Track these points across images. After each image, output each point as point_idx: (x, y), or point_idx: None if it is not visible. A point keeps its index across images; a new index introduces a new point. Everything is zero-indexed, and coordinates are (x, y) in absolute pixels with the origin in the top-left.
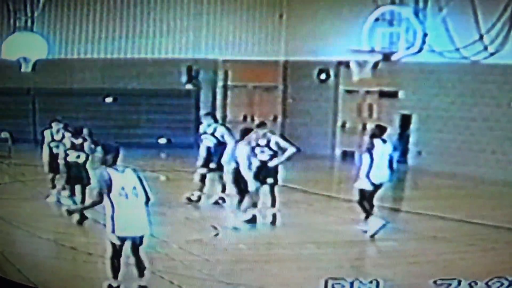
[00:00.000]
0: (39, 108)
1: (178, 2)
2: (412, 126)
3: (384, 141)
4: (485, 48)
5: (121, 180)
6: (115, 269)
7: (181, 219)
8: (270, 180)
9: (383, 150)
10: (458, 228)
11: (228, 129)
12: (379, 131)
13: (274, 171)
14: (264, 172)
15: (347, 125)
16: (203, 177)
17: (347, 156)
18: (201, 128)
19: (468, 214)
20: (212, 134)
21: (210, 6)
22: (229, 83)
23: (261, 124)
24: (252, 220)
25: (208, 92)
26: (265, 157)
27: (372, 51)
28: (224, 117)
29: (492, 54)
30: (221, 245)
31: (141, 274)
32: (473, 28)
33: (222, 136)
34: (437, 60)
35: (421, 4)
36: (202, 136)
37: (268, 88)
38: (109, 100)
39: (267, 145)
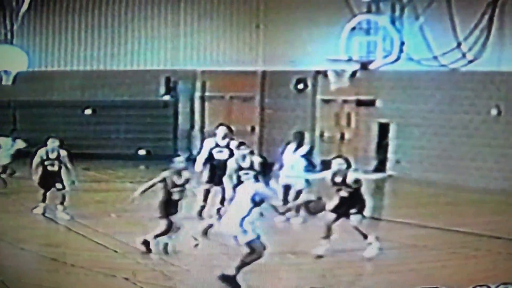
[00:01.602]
0: (19, 120)
1: (156, 14)
2: (391, 135)
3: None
4: (463, 56)
5: None
6: None
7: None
8: None
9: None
10: (439, 236)
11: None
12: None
13: None
14: None
15: (326, 134)
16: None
17: (325, 165)
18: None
19: (449, 222)
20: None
21: (187, 17)
22: (207, 93)
23: (241, 145)
24: None
25: (186, 103)
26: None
27: (349, 60)
28: (202, 127)
29: (470, 61)
30: (202, 255)
31: None
32: (451, 36)
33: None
34: (415, 68)
35: (397, 12)
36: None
37: (246, 98)
38: (88, 111)
39: (251, 167)
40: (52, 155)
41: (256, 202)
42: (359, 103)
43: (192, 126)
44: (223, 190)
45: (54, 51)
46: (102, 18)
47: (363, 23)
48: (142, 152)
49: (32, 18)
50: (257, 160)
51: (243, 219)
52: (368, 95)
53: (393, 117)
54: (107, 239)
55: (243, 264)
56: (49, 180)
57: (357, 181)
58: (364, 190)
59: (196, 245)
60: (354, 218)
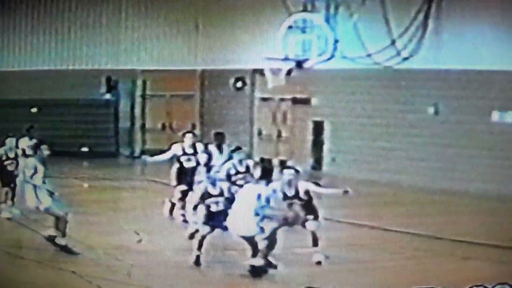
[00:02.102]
0: None
1: (97, 14)
2: (326, 133)
3: None
4: (398, 53)
5: None
6: None
7: (105, 225)
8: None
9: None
10: (377, 236)
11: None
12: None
13: None
14: None
15: (263, 132)
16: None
17: (265, 163)
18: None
19: (386, 222)
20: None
21: (128, 17)
22: (147, 92)
23: (237, 149)
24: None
25: (127, 102)
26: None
27: (286, 58)
28: (143, 126)
29: (405, 59)
30: (145, 250)
31: None
32: (385, 34)
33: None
34: (349, 67)
35: (332, 10)
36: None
37: (186, 96)
38: (34, 110)
39: (248, 171)
40: (11, 154)
41: (262, 202)
42: (295, 101)
43: (132, 124)
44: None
45: (4, 52)
46: (47, 18)
47: (299, 21)
48: (84, 149)
49: None
50: (251, 163)
51: (258, 219)
52: (303, 94)
53: (328, 115)
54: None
55: (265, 256)
56: (5, 178)
57: (307, 192)
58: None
59: (139, 241)
60: (312, 224)
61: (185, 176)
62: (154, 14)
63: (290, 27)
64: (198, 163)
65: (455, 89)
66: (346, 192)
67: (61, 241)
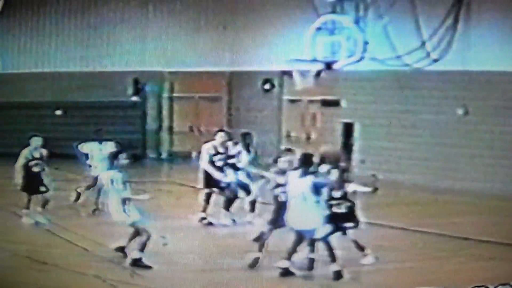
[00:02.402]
0: None
1: (124, 16)
2: (355, 135)
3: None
4: (428, 55)
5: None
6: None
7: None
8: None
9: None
10: (404, 236)
11: None
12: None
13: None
14: None
15: (292, 134)
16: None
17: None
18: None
19: (414, 223)
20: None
21: (155, 19)
22: (174, 94)
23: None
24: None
25: (155, 104)
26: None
27: (314, 60)
28: (170, 128)
29: (435, 60)
30: (170, 254)
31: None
32: (415, 35)
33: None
34: (379, 68)
35: (361, 12)
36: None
37: (213, 98)
38: (58, 112)
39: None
40: (36, 154)
41: (317, 193)
42: (324, 103)
43: (160, 126)
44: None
45: (26, 54)
46: (72, 21)
47: (328, 23)
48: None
49: (5, 21)
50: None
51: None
52: (332, 95)
53: (358, 117)
54: (78, 238)
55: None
56: (32, 183)
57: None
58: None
59: (165, 244)
60: (353, 233)
61: (213, 179)
62: (182, 16)
63: (318, 28)
64: (226, 163)
65: (482, 90)
66: (375, 189)
67: (135, 254)
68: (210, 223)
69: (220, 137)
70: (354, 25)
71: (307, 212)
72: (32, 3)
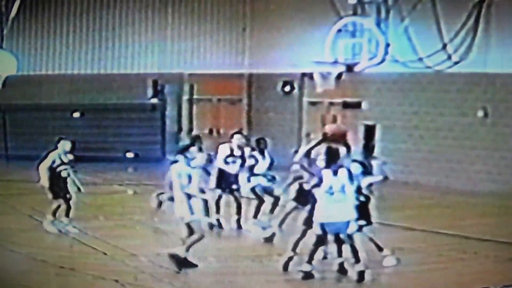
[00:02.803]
0: (9, 123)
1: (143, 18)
2: (377, 137)
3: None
4: (449, 57)
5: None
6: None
7: (150, 233)
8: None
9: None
10: (426, 238)
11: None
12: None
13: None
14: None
15: (312, 136)
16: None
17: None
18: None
19: (436, 225)
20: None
21: (174, 20)
22: (194, 96)
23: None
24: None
25: (174, 106)
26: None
27: (335, 62)
28: (190, 130)
29: (456, 63)
30: (190, 257)
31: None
32: (436, 37)
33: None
34: (401, 70)
35: (383, 14)
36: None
37: (233, 100)
38: (76, 115)
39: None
40: (64, 159)
41: (356, 184)
42: (345, 105)
43: (180, 129)
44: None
45: (43, 55)
46: (90, 22)
47: (349, 25)
48: (130, 154)
49: (21, 22)
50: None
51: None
52: (354, 97)
53: (379, 119)
54: (96, 241)
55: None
56: (58, 188)
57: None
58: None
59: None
60: (367, 230)
61: (225, 180)
62: (201, 17)
63: (339, 30)
64: (242, 166)
65: (503, 92)
66: (386, 178)
67: (182, 253)
68: (220, 226)
69: (236, 139)
70: (375, 27)
71: (342, 205)
72: (49, 4)
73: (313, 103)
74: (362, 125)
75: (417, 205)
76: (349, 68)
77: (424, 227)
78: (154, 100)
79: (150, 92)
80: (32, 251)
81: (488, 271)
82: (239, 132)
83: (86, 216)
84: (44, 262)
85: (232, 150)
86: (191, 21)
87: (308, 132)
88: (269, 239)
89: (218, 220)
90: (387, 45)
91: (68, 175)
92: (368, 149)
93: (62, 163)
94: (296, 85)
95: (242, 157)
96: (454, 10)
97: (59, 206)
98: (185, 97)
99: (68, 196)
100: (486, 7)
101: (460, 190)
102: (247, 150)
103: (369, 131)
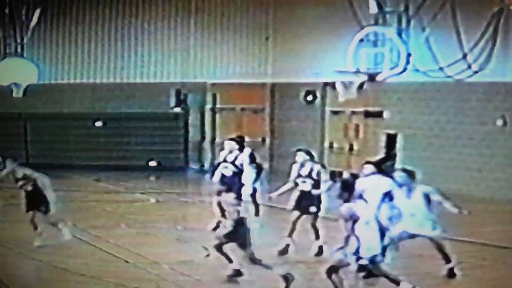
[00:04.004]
0: (30, 132)
1: (166, 27)
2: (398, 145)
3: None
4: (469, 67)
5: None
6: None
7: (172, 241)
8: (313, 209)
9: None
10: (445, 246)
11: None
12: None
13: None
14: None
15: (335, 146)
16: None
17: (335, 176)
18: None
19: (456, 232)
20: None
21: (197, 30)
22: (217, 105)
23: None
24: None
25: (197, 115)
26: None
27: (357, 71)
28: (213, 139)
29: (475, 72)
30: (212, 265)
31: None
32: (456, 47)
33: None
34: (422, 79)
35: (404, 24)
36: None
37: (256, 110)
38: (99, 124)
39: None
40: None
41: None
42: (367, 114)
43: (202, 138)
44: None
45: (65, 64)
46: (112, 31)
47: (371, 35)
48: (153, 163)
49: (42, 31)
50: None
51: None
52: (375, 106)
53: (401, 127)
54: (118, 249)
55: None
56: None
57: None
58: None
59: (207, 255)
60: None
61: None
62: (224, 27)
63: (361, 40)
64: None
65: None
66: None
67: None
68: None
69: (299, 156)
70: (396, 37)
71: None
72: (70, 13)
73: (335, 112)
74: (383, 134)
75: (437, 213)
76: (371, 77)
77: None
78: (177, 109)
79: (173, 101)
80: (53, 259)
81: (508, 278)
82: (301, 149)
83: (108, 224)
84: (66, 270)
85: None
86: (214, 30)
87: (331, 141)
88: (283, 252)
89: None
90: (408, 54)
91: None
92: (389, 158)
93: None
94: (318, 95)
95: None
96: (473, 20)
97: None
98: (208, 106)
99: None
100: (504, 16)
101: (479, 197)
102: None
103: (391, 140)
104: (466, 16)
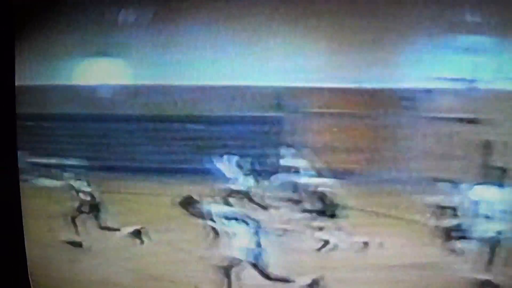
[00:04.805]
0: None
1: (265, 29)
2: (495, 152)
3: None
4: None
5: None
6: None
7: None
8: None
9: None
10: None
11: None
12: None
13: None
14: None
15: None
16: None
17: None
18: None
19: None
20: None
21: (296, 33)
22: (313, 110)
23: None
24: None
25: (293, 119)
26: None
27: (455, 78)
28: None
29: None
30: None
31: None
32: None
33: None
34: None
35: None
36: None
37: (352, 115)
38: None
39: None
40: None
41: None
42: (463, 121)
43: (295, 143)
44: None
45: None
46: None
47: (471, 42)
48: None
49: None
50: None
51: None
52: (473, 113)
53: (498, 135)
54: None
55: None
56: None
57: None
58: None
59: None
60: None
61: None
62: (327, 31)
63: (461, 47)
64: None
65: None
66: None
67: None
68: None
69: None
70: (495, 46)
71: None
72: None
73: (431, 119)
74: (480, 140)
75: None
76: (470, 84)
77: None
78: (272, 113)
79: (268, 105)
80: (127, 264)
81: None
82: None
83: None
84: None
85: None
86: (312, 33)
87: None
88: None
89: None
90: (508, 62)
91: None
92: (487, 164)
93: None
94: (417, 101)
95: None
96: None
97: None
98: (304, 111)
99: None
100: None
101: None
102: None
103: (488, 147)
104: None
